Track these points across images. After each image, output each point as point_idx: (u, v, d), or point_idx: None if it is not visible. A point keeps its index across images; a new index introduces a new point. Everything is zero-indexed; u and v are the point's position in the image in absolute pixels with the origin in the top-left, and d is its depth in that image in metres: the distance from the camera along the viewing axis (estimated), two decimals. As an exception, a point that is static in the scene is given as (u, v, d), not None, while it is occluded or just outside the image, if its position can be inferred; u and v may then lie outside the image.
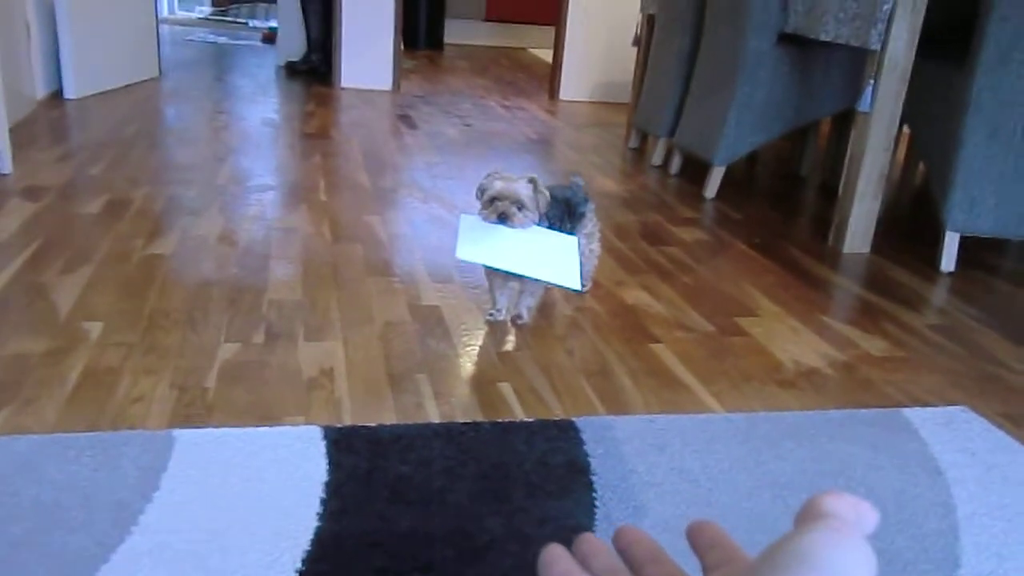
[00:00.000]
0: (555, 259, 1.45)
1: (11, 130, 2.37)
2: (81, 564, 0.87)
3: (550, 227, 1.51)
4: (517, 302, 1.56)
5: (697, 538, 0.35)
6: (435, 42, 6.54)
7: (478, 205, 1.48)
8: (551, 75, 4.62)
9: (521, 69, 5.73)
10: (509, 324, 1.56)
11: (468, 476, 1.06)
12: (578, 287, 1.44)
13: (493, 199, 1.44)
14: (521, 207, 1.44)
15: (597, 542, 0.37)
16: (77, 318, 1.45)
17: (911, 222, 2.58)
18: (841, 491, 0.29)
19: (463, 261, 1.44)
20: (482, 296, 1.66)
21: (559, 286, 1.47)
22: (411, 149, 3.02)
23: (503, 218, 1.43)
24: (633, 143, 3.35)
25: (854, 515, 0.28)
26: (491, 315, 1.56)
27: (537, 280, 1.48)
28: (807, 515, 0.28)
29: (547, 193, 1.48)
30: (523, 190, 1.44)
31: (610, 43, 4.52)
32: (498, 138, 3.33)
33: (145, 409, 1.18)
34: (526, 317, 1.55)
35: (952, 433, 1.27)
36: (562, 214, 1.56)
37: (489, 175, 1.48)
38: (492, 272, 1.53)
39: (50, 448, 1.06)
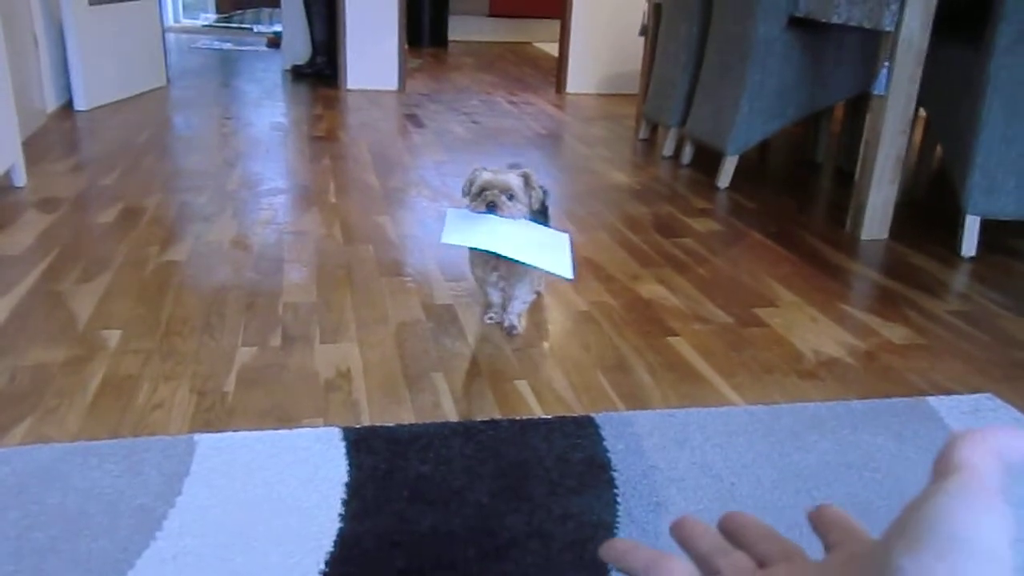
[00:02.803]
0: (545, 248, 1.38)
1: (24, 143, 2.39)
2: (107, 570, 0.87)
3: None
4: (507, 309, 1.49)
5: (817, 519, 0.35)
6: (439, 40, 6.53)
7: (465, 201, 1.43)
8: (557, 69, 4.60)
9: (527, 64, 5.71)
10: (509, 334, 1.50)
11: (487, 474, 1.06)
12: (569, 275, 1.36)
13: (482, 189, 1.38)
14: (511, 196, 1.37)
15: (698, 524, 0.37)
16: (95, 326, 1.46)
17: (929, 206, 2.54)
18: (976, 433, 0.26)
19: (449, 246, 1.37)
20: (496, 293, 1.66)
21: (549, 273, 1.39)
22: (419, 148, 3.01)
23: (492, 207, 1.36)
24: (643, 134, 3.33)
25: (993, 458, 0.26)
26: (490, 318, 1.52)
27: (526, 264, 1.38)
28: (941, 468, 0.26)
29: (540, 189, 1.42)
30: (514, 180, 1.38)
31: (616, 34, 4.49)
32: (506, 134, 3.32)
33: (165, 415, 1.19)
34: (519, 327, 1.50)
35: (978, 421, 1.25)
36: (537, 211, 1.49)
37: (475, 169, 1.42)
38: (480, 266, 1.47)
39: (73, 456, 1.06)
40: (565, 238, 1.43)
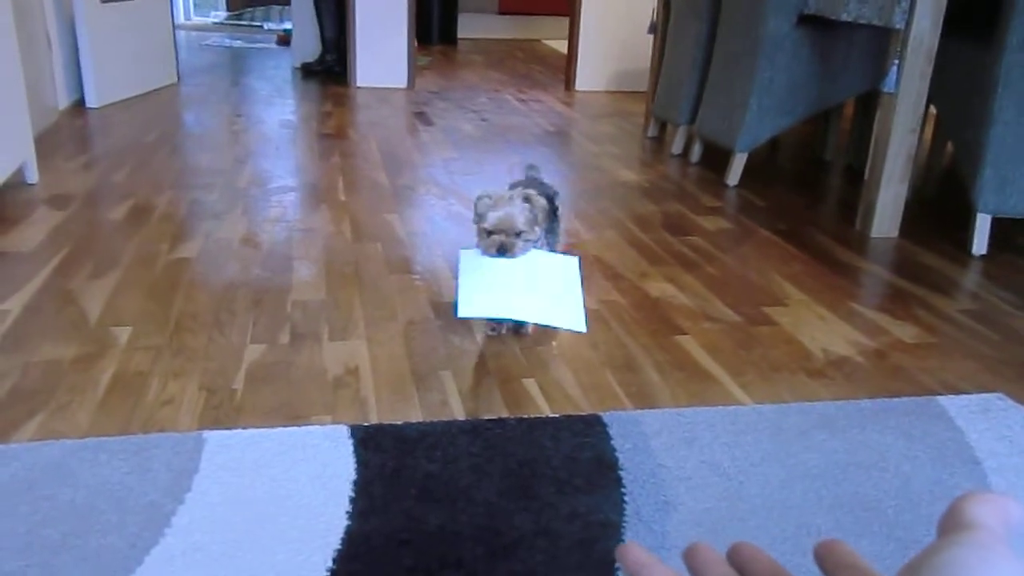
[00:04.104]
0: (558, 292, 1.38)
1: (36, 140, 2.41)
2: (116, 566, 0.88)
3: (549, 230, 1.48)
4: None
5: (826, 558, 0.34)
6: (449, 37, 6.53)
7: (475, 229, 1.43)
8: (566, 66, 4.59)
9: (536, 61, 5.70)
10: (516, 332, 1.50)
11: (495, 473, 1.06)
12: (583, 328, 1.35)
13: (490, 232, 1.38)
14: (519, 234, 1.38)
15: (710, 552, 0.36)
16: (106, 323, 1.47)
17: (940, 204, 2.52)
18: (984, 493, 0.27)
19: (466, 318, 1.36)
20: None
21: (564, 329, 1.41)
22: (428, 146, 3.02)
23: (503, 250, 1.37)
24: (652, 132, 3.32)
25: (1001, 521, 0.26)
26: (492, 331, 1.49)
27: (542, 325, 1.40)
28: (950, 524, 0.26)
29: (542, 202, 1.42)
30: (519, 217, 1.37)
31: (625, 31, 4.47)
32: (515, 131, 3.31)
33: (175, 412, 1.19)
34: (530, 330, 1.50)
35: (989, 421, 1.24)
36: (548, 213, 1.49)
37: (481, 197, 1.41)
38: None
39: (83, 452, 1.07)
40: (574, 265, 1.41)
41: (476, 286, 1.36)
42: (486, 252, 1.39)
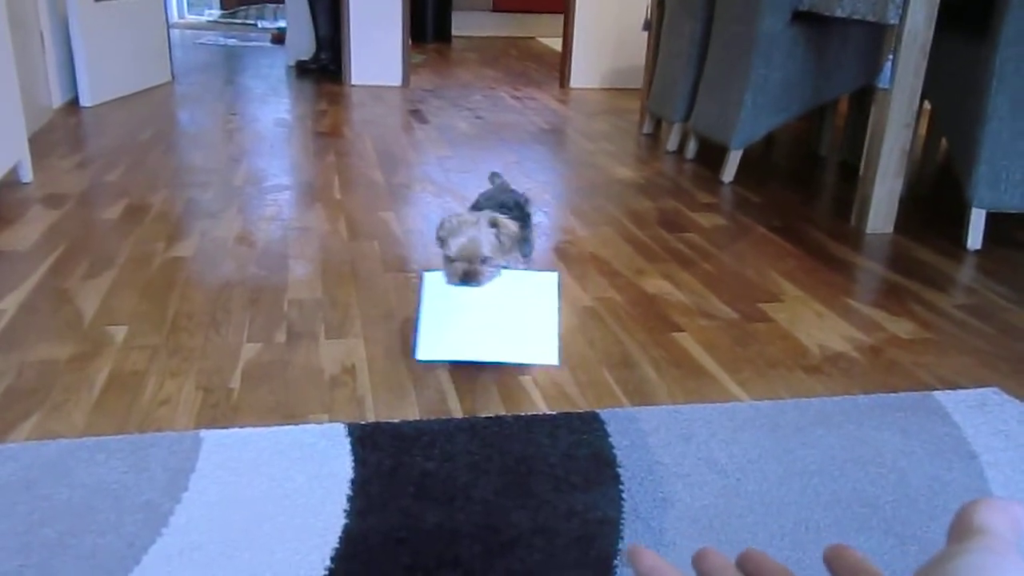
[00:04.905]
0: (530, 320, 1.27)
1: (30, 139, 2.40)
2: (114, 565, 0.87)
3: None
4: None
5: (835, 562, 0.34)
6: (443, 35, 6.52)
7: (438, 245, 1.34)
8: (561, 63, 4.59)
9: (530, 59, 5.70)
10: None
11: (493, 471, 1.06)
12: (555, 362, 1.25)
13: (453, 260, 1.29)
14: (485, 261, 1.28)
15: (719, 557, 0.36)
16: (101, 322, 1.46)
17: (935, 200, 2.53)
18: (993, 499, 0.28)
19: (425, 361, 1.26)
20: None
21: (534, 365, 1.31)
22: (423, 144, 3.01)
23: (467, 279, 1.27)
24: (647, 129, 3.32)
25: (1011, 527, 0.26)
26: None
27: (512, 364, 1.30)
28: (959, 530, 0.27)
29: (511, 228, 1.32)
30: (484, 243, 1.27)
31: (620, 29, 4.47)
32: (509, 129, 3.31)
33: (171, 411, 1.19)
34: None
35: (985, 416, 1.25)
36: (516, 218, 1.41)
37: (445, 222, 1.31)
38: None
39: (79, 451, 1.07)
40: (552, 282, 1.31)
41: (438, 323, 1.26)
42: (450, 281, 1.29)
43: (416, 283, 1.70)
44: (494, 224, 1.30)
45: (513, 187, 1.67)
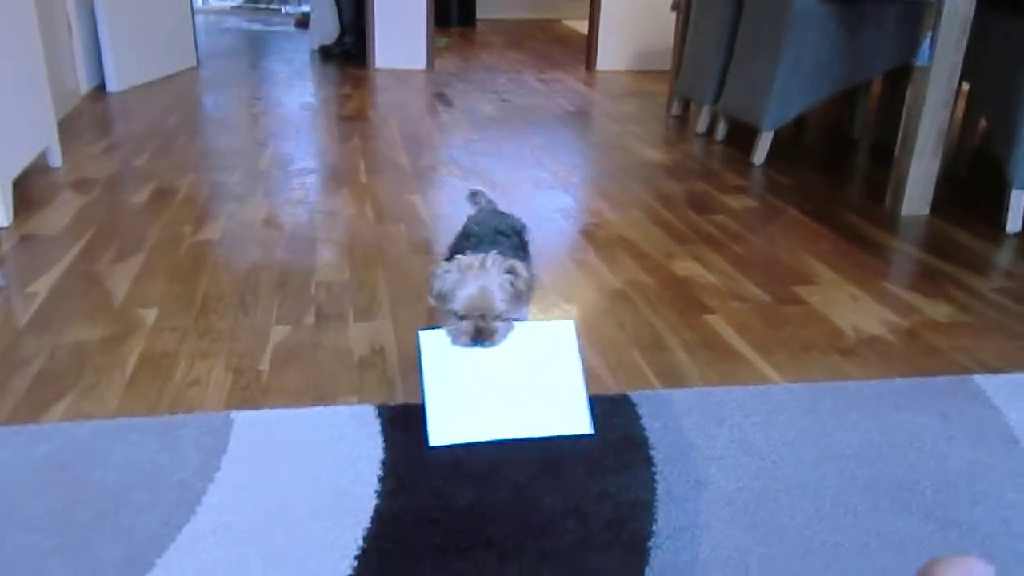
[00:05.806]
0: (554, 381, 1.10)
1: (58, 125, 2.42)
2: (149, 544, 0.88)
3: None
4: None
5: None
6: (467, 18, 6.48)
7: (435, 302, 1.12)
8: (587, 46, 4.53)
9: (556, 41, 5.64)
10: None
11: (524, 452, 1.05)
12: (589, 430, 1.08)
13: (462, 317, 1.06)
14: (498, 316, 1.06)
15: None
16: (132, 305, 1.47)
17: (972, 181, 2.46)
18: (952, 557, 0.31)
19: (439, 447, 1.05)
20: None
21: (565, 437, 1.08)
22: (448, 127, 2.99)
23: (479, 339, 1.06)
24: (676, 111, 3.27)
25: None
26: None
27: (541, 438, 1.08)
28: None
29: (527, 274, 1.09)
30: (498, 294, 1.05)
31: (647, 10, 4.40)
32: (535, 112, 3.28)
33: (202, 392, 1.20)
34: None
35: (1028, 399, 1.21)
36: (516, 247, 1.21)
37: (444, 272, 1.07)
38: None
39: (112, 432, 1.07)
40: (569, 330, 1.12)
41: (447, 398, 1.07)
42: (457, 341, 1.07)
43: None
44: (510, 271, 1.07)
45: (503, 210, 1.39)
